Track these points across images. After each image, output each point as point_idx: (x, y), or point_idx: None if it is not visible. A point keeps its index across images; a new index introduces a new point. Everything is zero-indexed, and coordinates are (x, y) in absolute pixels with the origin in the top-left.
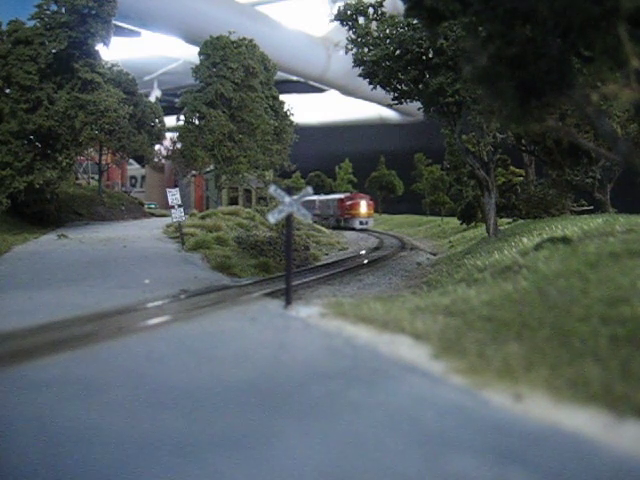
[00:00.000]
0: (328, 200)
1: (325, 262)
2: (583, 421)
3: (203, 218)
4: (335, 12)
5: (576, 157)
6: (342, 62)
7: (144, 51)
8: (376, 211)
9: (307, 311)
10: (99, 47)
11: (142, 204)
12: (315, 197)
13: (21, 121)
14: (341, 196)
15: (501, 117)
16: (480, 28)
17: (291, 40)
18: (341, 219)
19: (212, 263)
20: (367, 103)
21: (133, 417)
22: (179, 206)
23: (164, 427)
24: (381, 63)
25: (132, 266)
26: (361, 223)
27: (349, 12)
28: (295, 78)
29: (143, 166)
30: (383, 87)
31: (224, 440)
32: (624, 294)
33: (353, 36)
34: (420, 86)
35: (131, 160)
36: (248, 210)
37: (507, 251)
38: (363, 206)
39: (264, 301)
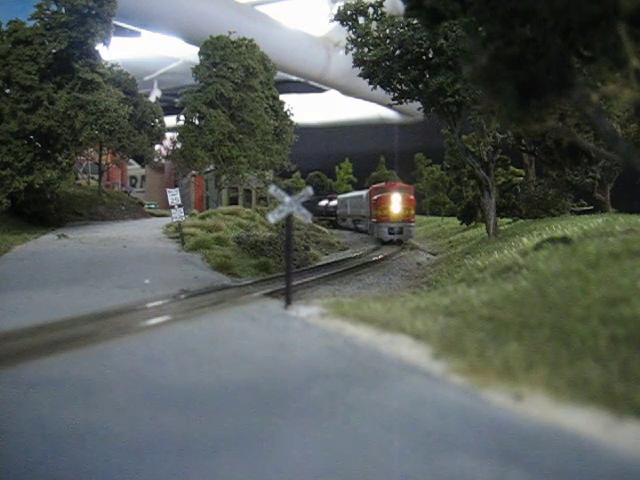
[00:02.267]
0: (362, 196)
1: (325, 262)
2: (583, 421)
3: (203, 218)
4: (335, 12)
5: (576, 157)
6: (342, 62)
7: (144, 51)
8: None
9: (307, 311)
10: (99, 47)
11: (142, 204)
12: (364, 192)
13: (21, 121)
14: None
15: (501, 117)
16: (480, 28)
17: (291, 40)
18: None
19: (212, 263)
20: (367, 103)
21: (133, 417)
22: (179, 206)
23: (164, 427)
24: (381, 63)
25: (132, 266)
26: (391, 232)
27: (349, 12)
28: (295, 78)
29: (143, 166)
30: (383, 87)
31: (224, 440)
32: (624, 294)
33: (353, 36)
34: (420, 86)
35: (131, 160)
36: (248, 210)
37: (507, 251)
38: (395, 203)
39: (264, 301)
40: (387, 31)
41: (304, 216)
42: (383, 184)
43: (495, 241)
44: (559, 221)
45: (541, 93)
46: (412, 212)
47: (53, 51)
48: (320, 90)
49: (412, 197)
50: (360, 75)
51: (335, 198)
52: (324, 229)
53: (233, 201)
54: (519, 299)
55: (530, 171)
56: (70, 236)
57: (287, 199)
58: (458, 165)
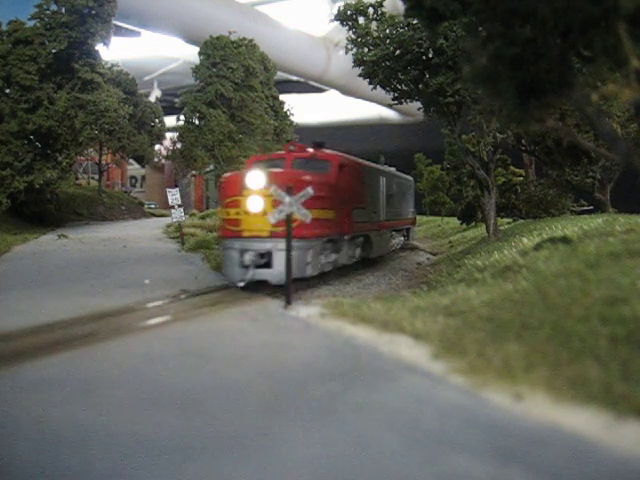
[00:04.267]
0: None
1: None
2: (583, 421)
3: (203, 218)
4: (335, 12)
5: (576, 157)
6: (342, 62)
7: (144, 51)
8: None
9: (307, 311)
10: (99, 47)
11: (142, 204)
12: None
13: (21, 121)
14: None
15: (501, 117)
16: (480, 28)
17: (291, 40)
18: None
19: (212, 263)
20: (367, 103)
21: (133, 417)
22: (179, 206)
23: (164, 427)
24: (381, 63)
25: (132, 266)
26: (244, 262)
27: (349, 12)
28: (295, 78)
29: (143, 166)
30: (383, 87)
31: (224, 440)
32: (624, 294)
33: (353, 36)
34: (420, 86)
35: (131, 160)
36: None
37: (507, 251)
38: (256, 195)
39: (264, 301)
40: (387, 31)
41: (304, 216)
42: (281, 152)
43: (495, 241)
44: (559, 221)
45: (541, 93)
46: (312, 215)
47: (53, 51)
48: (320, 90)
49: (321, 176)
50: (360, 75)
51: None
52: None
53: None
54: (519, 299)
55: (530, 171)
56: (70, 236)
57: (287, 199)
58: (458, 165)
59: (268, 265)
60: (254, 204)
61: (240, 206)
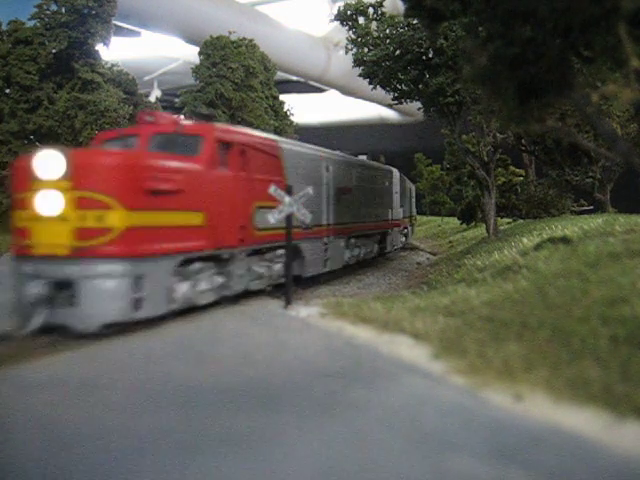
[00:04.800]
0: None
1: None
2: (583, 421)
3: None
4: (335, 12)
5: (576, 157)
6: (342, 62)
7: (144, 51)
8: None
9: (307, 311)
10: (99, 47)
11: None
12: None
13: (21, 121)
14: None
15: (501, 117)
16: (480, 28)
17: (291, 40)
18: None
19: None
20: (367, 103)
21: (133, 417)
22: None
23: (164, 427)
24: (381, 63)
25: None
26: (31, 299)
27: (349, 12)
28: (295, 78)
29: None
30: (383, 87)
31: (224, 439)
32: (624, 294)
33: (353, 36)
34: (420, 86)
35: None
36: None
37: (507, 251)
38: (47, 189)
39: (264, 301)
40: (387, 31)
41: (304, 216)
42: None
43: (495, 241)
44: (559, 221)
45: (541, 93)
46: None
47: (53, 51)
48: (320, 90)
49: (181, 159)
50: (360, 75)
51: None
52: None
53: None
54: (519, 299)
55: (530, 171)
56: None
57: (287, 199)
58: (458, 165)
59: (71, 303)
60: (47, 203)
61: (29, 207)
